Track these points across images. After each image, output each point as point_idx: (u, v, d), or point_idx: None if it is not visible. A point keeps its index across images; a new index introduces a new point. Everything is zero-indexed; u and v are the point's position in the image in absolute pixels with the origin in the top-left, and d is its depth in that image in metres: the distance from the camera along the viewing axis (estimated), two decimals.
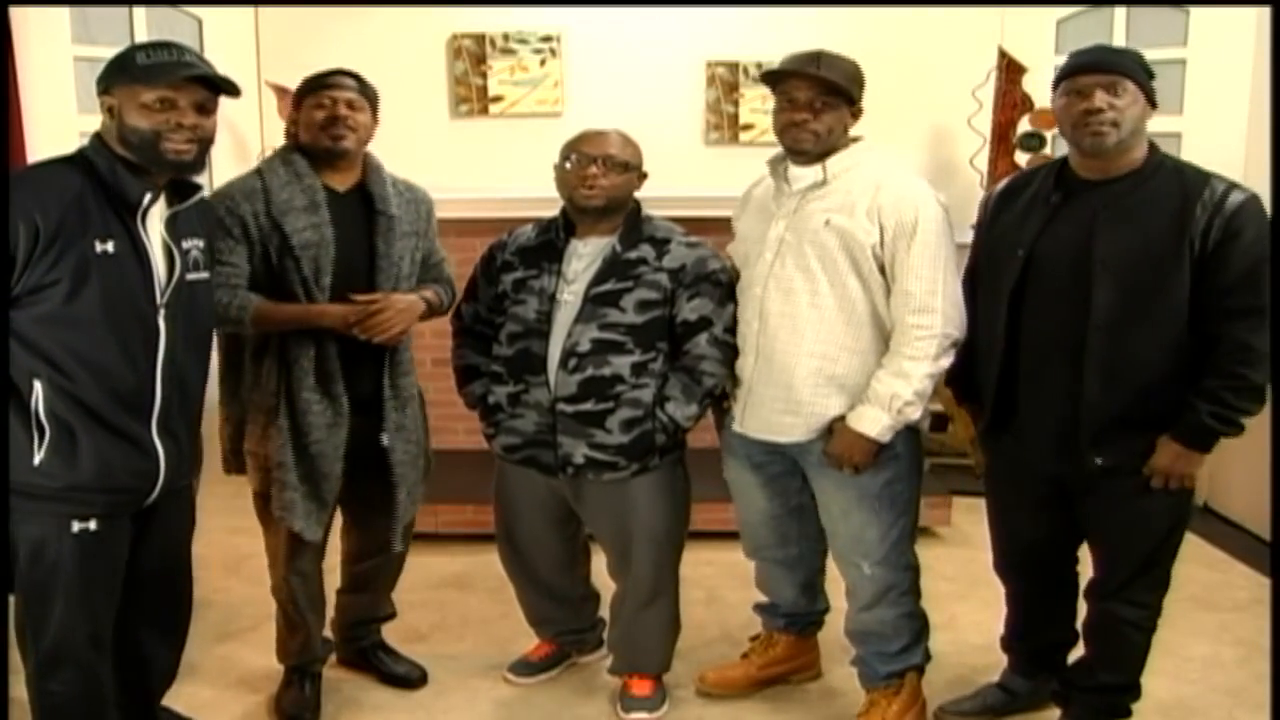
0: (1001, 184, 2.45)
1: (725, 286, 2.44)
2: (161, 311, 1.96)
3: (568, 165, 2.41)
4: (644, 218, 2.48)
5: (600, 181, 2.36)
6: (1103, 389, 2.16)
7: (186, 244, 2.02)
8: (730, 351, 2.42)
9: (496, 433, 2.51)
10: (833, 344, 2.29)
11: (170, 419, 2.01)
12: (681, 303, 2.40)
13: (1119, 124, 2.12)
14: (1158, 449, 2.16)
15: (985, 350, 2.33)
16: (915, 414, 2.26)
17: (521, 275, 2.47)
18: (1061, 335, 2.19)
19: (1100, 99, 2.11)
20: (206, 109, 1.95)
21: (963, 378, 2.42)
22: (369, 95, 2.45)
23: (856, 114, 2.33)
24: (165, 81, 1.88)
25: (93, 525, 1.95)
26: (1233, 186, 2.11)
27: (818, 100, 2.25)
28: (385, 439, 2.47)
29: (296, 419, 2.37)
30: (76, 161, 1.92)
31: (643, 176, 2.48)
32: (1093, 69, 2.15)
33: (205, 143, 1.96)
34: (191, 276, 2.03)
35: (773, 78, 2.31)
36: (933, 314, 2.22)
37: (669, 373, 2.42)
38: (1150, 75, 2.17)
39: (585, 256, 2.42)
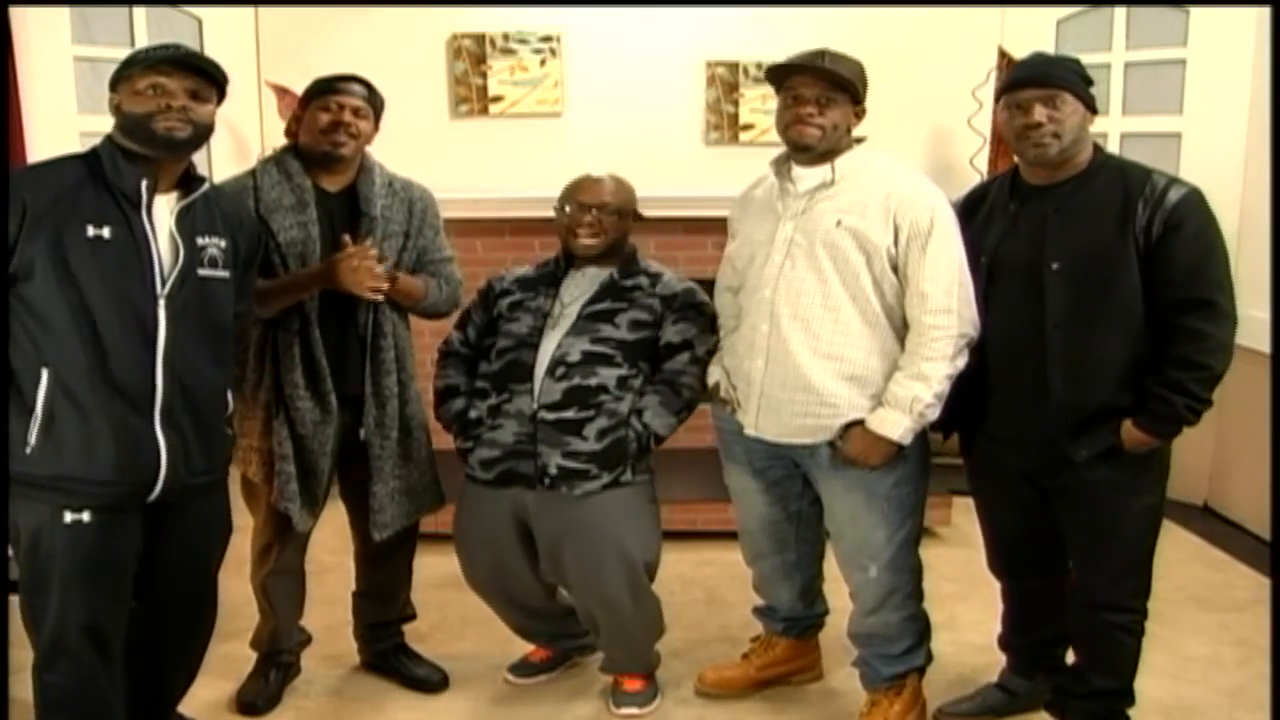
0: (959, 198, 2.47)
1: (709, 317, 2.56)
2: (162, 303, 1.97)
3: (565, 212, 2.52)
4: (639, 256, 2.61)
5: (596, 230, 2.49)
6: (1068, 385, 2.21)
7: (202, 240, 2.05)
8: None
9: (475, 446, 2.52)
10: (849, 344, 2.29)
11: (175, 413, 2.01)
12: (667, 325, 2.52)
13: (1060, 135, 2.18)
14: (1124, 435, 2.20)
15: None
16: (935, 415, 2.27)
17: (519, 298, 2.57)
18: (1025, 336, 2.24)
19: (1039, 113, 2.17)
20: (200, 96, 2.01)
21: None
22: (375, 104, 2.50)
23: (860, 114, 2.34)
24: (150, 65, 1.97)
25: (85, 517, 1.95)
26: (1173, 181, 2.17)
27: (824, 95, 2.26)
28: (362, 434, 2.52)
29: (291, 414, 2.44)
30: (85, 156, 2.02)
31: (637, 218, 2.58)
32: (1031, 83, 2.20)
33: (200, 127, 2.01)
34: (205, 273, 2.05)
35: (778, 74, 2.31)
36: (949, 314, 2.23)
37: (646, 387, 2.50)
38: (1088, 83, 2.22)
39: (583, 282, 2.53)
